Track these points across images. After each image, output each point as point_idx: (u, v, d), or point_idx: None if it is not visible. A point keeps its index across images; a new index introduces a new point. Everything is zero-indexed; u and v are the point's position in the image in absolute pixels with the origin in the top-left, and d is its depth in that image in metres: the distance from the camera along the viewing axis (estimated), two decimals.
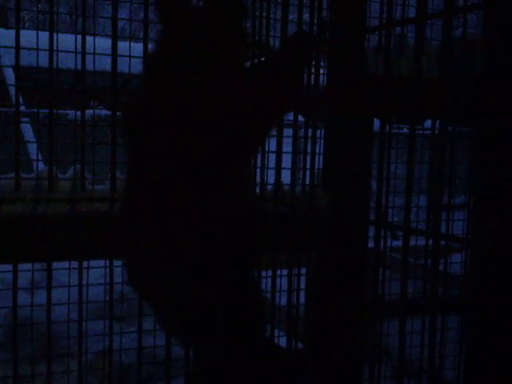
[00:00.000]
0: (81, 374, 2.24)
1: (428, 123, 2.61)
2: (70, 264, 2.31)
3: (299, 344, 2.47)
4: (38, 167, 2.09)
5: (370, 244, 2.24)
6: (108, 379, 2.30)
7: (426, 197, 2.37)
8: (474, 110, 1.70)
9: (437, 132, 2.25)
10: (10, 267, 2.10)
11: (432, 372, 2.38)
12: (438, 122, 2.24)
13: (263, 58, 2.19)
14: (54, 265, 2.20)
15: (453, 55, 1.80)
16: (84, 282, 2.21)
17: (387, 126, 2.13)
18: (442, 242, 2.21)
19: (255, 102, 1.54)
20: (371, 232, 2.17)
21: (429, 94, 1.83)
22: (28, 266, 2.30)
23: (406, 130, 2.70)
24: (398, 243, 2.58)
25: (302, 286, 2.41)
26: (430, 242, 2.21)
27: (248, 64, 2.17)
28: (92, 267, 2.30)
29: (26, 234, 1.98)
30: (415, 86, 1.82)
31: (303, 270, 2.40)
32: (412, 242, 2.23)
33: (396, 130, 2.59)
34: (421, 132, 2.60)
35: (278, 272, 2.41)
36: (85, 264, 2.21)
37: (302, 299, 2.42)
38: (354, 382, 2.38)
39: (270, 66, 1.67)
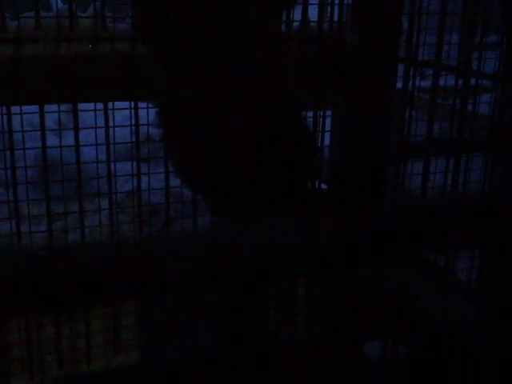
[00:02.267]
0: (111, 212, 2.32)
1: None
2: (95, 106, 2.31)
3: (323, 186, 2.51)
4: (57, 5, 2.03)
5: (398, 84, 2.20)
6: (138, 217, 2.38)
7: (458, 34, 2.28)
8: None
9: None
10: (36, 108, 2.11)
11: (452, 210, 2.43)
12: None
13: None
14: (80, 106, 2.21)
15: None
16: (110, 124, 2.22)
17: None
18: (472, 82, 2.16)
19: None
20: (400, 71, 2.12)
21: None
22: (54, 107, 2.30)
23: None
24: (427, 83, 2.53)
25: (327, 128, 2.40)
26: (460, 82, 2.16)
27: None
28: (117, 109, 2.30)
29: (49, 74, 1.96)
30: None
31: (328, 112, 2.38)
32: (441, 83, 2.18)
33: None
34: None
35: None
36: (110, 106, 2.21)
37: (327, 141, 2.42)
38: (375, 205, 2.45)
39: None
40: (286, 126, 1.62)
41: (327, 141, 2.42)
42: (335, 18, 2.13)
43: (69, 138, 2.25)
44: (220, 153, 1.59)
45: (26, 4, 1.99)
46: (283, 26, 2.02)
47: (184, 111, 1.61)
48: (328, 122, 2.38)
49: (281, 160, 1.62)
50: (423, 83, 2.73)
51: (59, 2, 2.10)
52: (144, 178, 2.35)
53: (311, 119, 2.34)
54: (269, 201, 1.67)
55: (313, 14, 2.10)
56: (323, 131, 2.44)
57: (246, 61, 1.51)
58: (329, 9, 2.13)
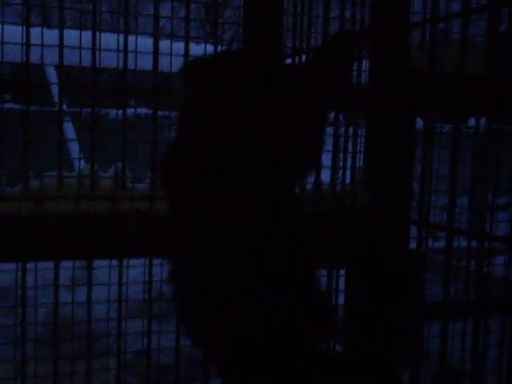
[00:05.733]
0: (119, 372, 2.25)
1: (472, 121, 2.56)
2: (110, 262, 2.32)
3: (338, 346, 2.44)
4: (79, 166, 2.11)
5: (412, 245, 2.20)
6: (146, 379, 2.30)
7: (468, 198, 2.32)
8: None
9: (481, 130, 2.20)
10: (51, 265, 2.12)
11: (474, 376, 2.33)
12: (482, 119, 2.19)
13: (304, 60, 2.17)
14: (95, 263, 2.22)
15: (498, 51, 1.76)
16: (123, 281, 2.22)
17: (431, 124, 2.09)
18: (486, 244, 2.17)
19: (306, 110, 1.52)
20: (413, 232, 2.14)
21: (474, 91, 1.80)
22: (69, 263, 2.32)
23: (447, 129, 2.65)
24: (439, 245, 2.54)
25: (341, 286, 2.38)
26: (473, 243, 2.16)
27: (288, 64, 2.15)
28: (131, 266, 2.31)
29: (67, 231, 2.00)
30: (460, 83, 1.78)
31: (342, 271, 2.38)
32: (454, 245, 2.19)
33: (438, 129, 2.54)
34: (464, 130, 2.54)
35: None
36: (124, 262, 2.22)
37: (341, 300, 2.39)
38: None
39: (314, 68, 1.63)
40: (299, 287, 1.60)
41: (341, 299, 2.39)
42: (347, 181, 2.19)
43: (81, 294, 2.24)
44: (232, 318, 1.55)
45: (50, 163, 2.07)
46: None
47: (196, 272, 1.60)
48: (342, 280, 2.37)
49: (295, 327, 1.58)
50: (436, 244, 2.74)
51: (82, 162, 2.18)
52: (154, 337, 2.29)
53: (325, 277, 2.34)
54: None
55: (326, 176, 2.17)
56: (337, 290, 2.42)
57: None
58: (341, 171, 2.19)
